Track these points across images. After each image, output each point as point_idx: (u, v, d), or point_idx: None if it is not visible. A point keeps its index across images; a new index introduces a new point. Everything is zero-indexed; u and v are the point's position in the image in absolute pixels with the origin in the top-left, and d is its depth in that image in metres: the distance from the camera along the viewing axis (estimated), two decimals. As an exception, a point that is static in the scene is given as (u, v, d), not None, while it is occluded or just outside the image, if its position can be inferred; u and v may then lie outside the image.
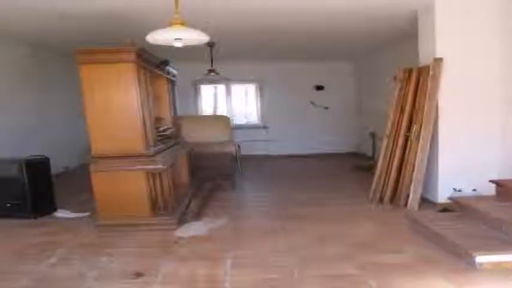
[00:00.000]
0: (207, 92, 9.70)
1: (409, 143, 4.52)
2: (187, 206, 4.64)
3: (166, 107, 5.08)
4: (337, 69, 9.35)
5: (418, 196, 4.30)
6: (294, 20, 5.01)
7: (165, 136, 4.70)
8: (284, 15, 4.73)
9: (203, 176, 5.83)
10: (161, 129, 4.65)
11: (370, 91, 8.39)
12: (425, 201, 4.46)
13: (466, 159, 4.37)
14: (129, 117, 3.83)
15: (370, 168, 6.32)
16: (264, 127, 9.50)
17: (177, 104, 5.69)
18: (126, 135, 3.84)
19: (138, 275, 2.91)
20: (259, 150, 9.07)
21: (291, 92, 9.32)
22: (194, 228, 3.98)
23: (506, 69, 4.27)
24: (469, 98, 4.33)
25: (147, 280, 2.83)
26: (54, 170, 4.99)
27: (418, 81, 4.52)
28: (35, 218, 4.40)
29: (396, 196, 4.60)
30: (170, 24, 3.18)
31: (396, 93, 4.78)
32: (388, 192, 4.66)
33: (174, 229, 3.90)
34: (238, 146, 7.06)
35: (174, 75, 5.34)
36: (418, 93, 4.49)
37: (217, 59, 6.95)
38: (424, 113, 4.28)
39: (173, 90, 5.38)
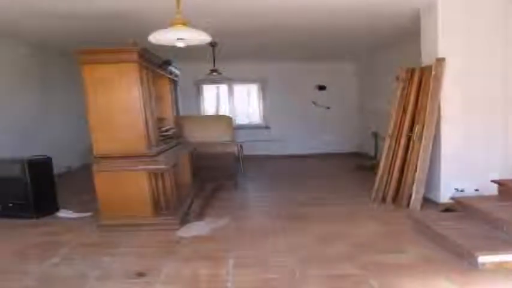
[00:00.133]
0: (209, 92, 9.70)
1: (411, 143, 4.52)
2: (190, 206, 4.65)
3: (168, 107, 5.08)
4: (339, 69, 9.34)
5: (420, 196, 4.30)
6: (295, 18, 4.99)
7: (168, 136, 4.70)
8: (285, 12, 4.72)
9: (205, 176, 5.83)
10: (163, 129, 4.65)
11: (372, 91, 8.38)
12: (427, 201, 4.45)
13: (468, 159, 4.36)
14: (132, 117, 3.84)
15: (373, 168, 6.31)
16: (266, 127, 9.50)
17: (180, 104, 5.71)
18: (128, 135, 3.85)
19: (140, 275, 2.91)
20: (261, 150, 9.06)
21: (293, 92, 9.32)
22: (196, 228, 3.98)
23: (509, 69, 4.27)
24: (472, 98, 4.32)
25: (149, 280, 2.83)
26: (56, 170, 5.00)
27: (421, 81, 4.51)
28: (37, 217, 4.41)
29: (398, 196, 4.59)
30: (172, 24, 3.19)
31: (398, 93, 4.77)
32: (391, 192, 4.65)
33: (176, 229, 3.90)
34: (241, 146, 7.05)
35: (176, 75, 5.34)
36: (421, 93, 4.48)
37: (219, 59, 6.95)
38: (427, 113, 4.27)
39: (175, 90, 5.38)
